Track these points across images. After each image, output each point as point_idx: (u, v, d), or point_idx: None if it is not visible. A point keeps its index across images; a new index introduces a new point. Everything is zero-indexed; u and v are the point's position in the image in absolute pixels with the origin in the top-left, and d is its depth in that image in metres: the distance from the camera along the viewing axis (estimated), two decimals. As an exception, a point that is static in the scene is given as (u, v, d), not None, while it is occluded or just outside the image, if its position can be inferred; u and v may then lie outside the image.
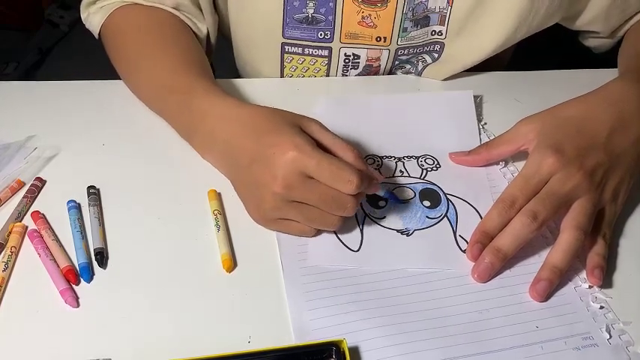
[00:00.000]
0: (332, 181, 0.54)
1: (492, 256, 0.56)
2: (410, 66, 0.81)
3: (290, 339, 0.51)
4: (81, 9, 0.77)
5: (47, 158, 0.66)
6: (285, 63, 0.80)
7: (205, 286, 0.55)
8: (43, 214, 0.60)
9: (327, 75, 0.80)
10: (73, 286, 0.55)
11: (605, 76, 0.70)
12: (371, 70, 0.80)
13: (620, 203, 0.62)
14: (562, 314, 0.54)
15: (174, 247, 0.58)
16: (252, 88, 0.77)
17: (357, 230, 0.60)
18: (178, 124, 0.67)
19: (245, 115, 0.60)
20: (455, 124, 0.72)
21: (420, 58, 0.80)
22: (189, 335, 0.52)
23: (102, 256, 0.57)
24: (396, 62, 0.80)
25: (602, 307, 0.55)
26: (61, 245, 0.57)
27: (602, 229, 0.59)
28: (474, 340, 0.52)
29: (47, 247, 0.57)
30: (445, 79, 0.80)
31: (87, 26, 0.78)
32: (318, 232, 0.59)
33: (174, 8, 0.74)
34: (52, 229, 0.59)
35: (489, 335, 0.52)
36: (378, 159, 0.68)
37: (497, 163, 0.68)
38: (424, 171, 0.67)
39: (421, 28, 0.76)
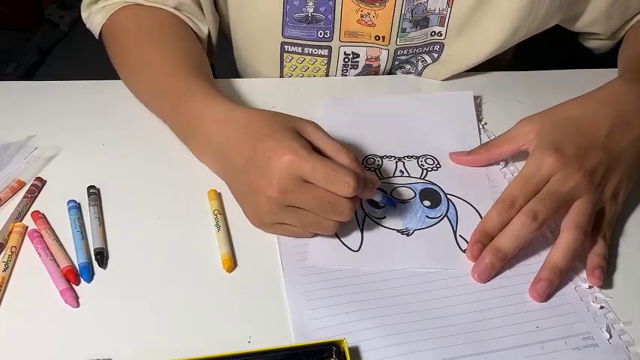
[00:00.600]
0: (328, 184, 0.53)
1: (492, 256, 0.56)
2: (410, 66, 0.81)
3: (290, 339, 0.51)
4: (82, 8, 0.77)
5: (47, 158, 0.66)
6: (284, 62, 0.80)
7: (205, 286, 0.55)
8: (43, 214, 0.60)
9: (327, 74, 0.80)
10: (73, 286, 0.55)
11: (605, 76, 0.70)
12: (370, 71, 0.80)
13: (620, 203, 0.62)
14: (562, 314, 0.54)
15: (174, 247, 0.58)
16: (252, 88, 0.77)
17: (357, 230, 0.60)
18: (176, 125, 0.67)
19: (241, 119, 0.59)
20: (455, 125, 0.72)
21: (420, 58, 0.80)
22: (190, 335, 0.52)
23: (102, 256, 0.57)
24: (396, 62, 0.80)
25: (602, 307, 0.55)
26: (61, 245, 0.57)
27: (602, 229, 0.59)
28: (474, 340, 0.52)
29: (47, 247, 0.57)
30: (445, 80, 0.80)
31: (87, 26, 0.78)
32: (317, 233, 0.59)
33: (175, 8, 0.74)
34: (52, 229, 0.59)
35: (489, 335, 0.52)
36: (379, 159, 0.68)
37: (497, 163, 0.68)
38: (424, 171, 0.67)
39: (420, 29, 0.76)
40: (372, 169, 0.66)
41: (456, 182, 0.66)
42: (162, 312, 0.53)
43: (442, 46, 0.78)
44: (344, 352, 0.48)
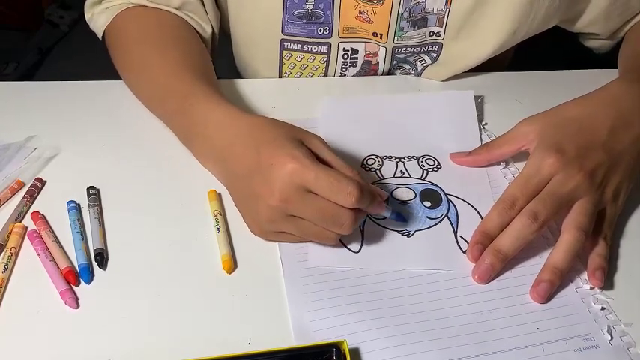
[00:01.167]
0: (330, 194, 0.52)
1: (493, 257, 0.56)
2: (409, 66, 0.81)
3: (290, 340, 0.51)
4: (85, 9, 0.77)
5: (47, 159, 0.66)
6: (283, 60, 0.80)
7: (205, 286, 0.55)
8: (43, 215, 0.60)
9: (326, 72, 0.80)
10: (73, 287, 0.55)
11: (605, 76, 0.70)
12: (369, 69, 0.80)
13: (621, 203, 0.62)
14: (563, 315, 0.54)
15: (174, 247, 0.58)
16: (252, 88, 0.77)
17: (358, 231, 0.60)
18: (178, 129, 0.66)
19: (245, 125, 0.59)
20: (456, 125, 0.72)
21: (419, 58, 0.79)
22: (190, 336, 0.52)
23: (102, 257, 0.56)
24: (395, 62, 0.80)
25: (603, 308, 0.55)
26: (61, 246, 0.57)
27: (602, 230, 0.59)
28: (475, 341, 0.52)
29: (47, 248, 0.57)
30: (445, 80, 0.80)
31: (91, 27, 0.77)
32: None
33: (179, 8, 0.74)
34: (52, 230, 0.59)
35: (490, 336, 0.52)
36: (379, 159, 0.68)
37: (498, 164, 0.68)
38: (425, 171, 0.67)
39: (418, 28, 0.76)
40: (373, 170, 0.66)
41: (457, 183, 0.65)
42: (162, 313, 0.53)
43: (441, 46, 0.78)
44: (344, 353, 0.48)
